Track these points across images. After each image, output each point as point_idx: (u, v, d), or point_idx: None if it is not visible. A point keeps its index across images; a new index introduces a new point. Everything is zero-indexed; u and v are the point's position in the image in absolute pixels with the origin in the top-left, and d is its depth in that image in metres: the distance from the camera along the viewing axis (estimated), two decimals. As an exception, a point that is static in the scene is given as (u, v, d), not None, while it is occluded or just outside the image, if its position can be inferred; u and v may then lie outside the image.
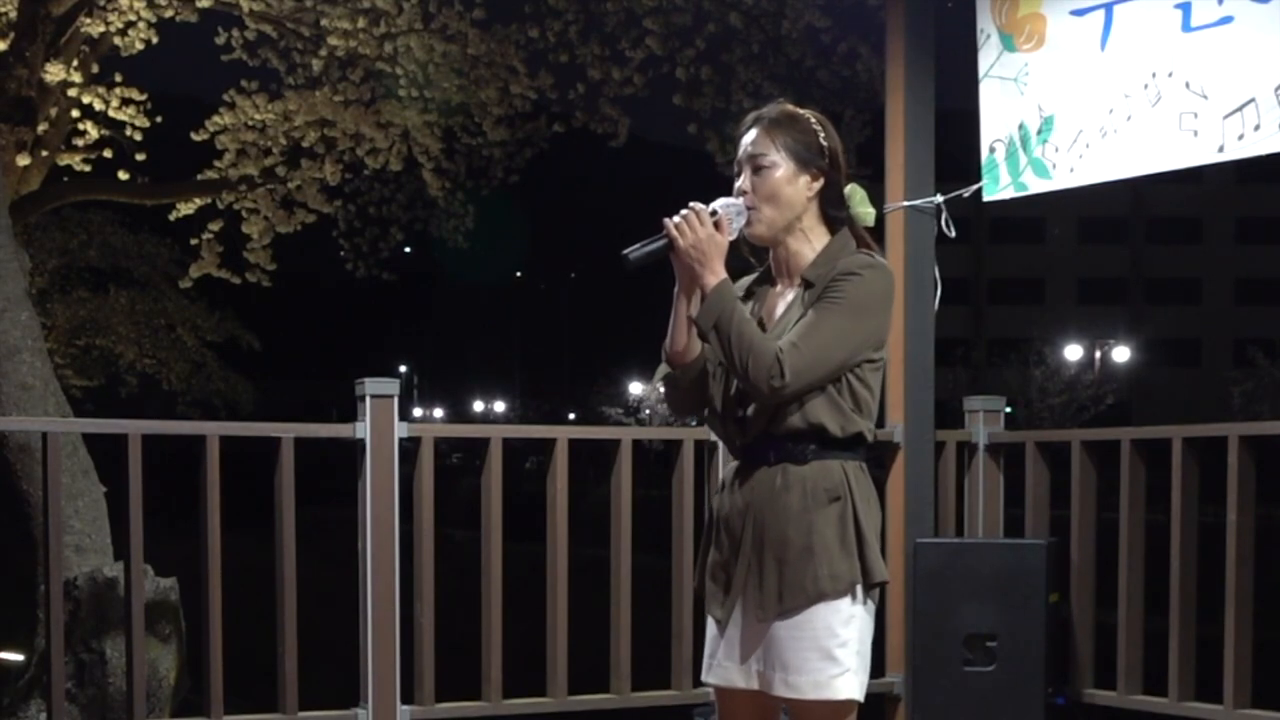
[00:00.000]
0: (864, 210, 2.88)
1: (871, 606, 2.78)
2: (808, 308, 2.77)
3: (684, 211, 2.79)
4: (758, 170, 2.82)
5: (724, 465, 2.92)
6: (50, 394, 5.45)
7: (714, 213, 2.81)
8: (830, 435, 2.75)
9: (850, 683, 2.71)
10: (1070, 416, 41.20)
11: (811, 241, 2.85)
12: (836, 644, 2.70)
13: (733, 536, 2.81)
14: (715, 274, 2.75)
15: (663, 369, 2.89)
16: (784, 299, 2.87)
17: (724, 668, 2.84)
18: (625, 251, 2.80)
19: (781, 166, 2.81)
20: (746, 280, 2.95)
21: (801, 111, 2.88)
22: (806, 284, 2.81)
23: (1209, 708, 4.64)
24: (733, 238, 2.83)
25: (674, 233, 2.76)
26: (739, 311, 2.74)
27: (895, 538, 5.20)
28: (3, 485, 5.44)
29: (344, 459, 4.62)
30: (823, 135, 2.84)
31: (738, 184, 2.86)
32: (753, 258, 2.95)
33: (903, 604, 5.15)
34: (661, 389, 2.96)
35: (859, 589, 2.73)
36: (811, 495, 2.73)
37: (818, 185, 2.83)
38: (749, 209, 2.83)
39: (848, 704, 2.73)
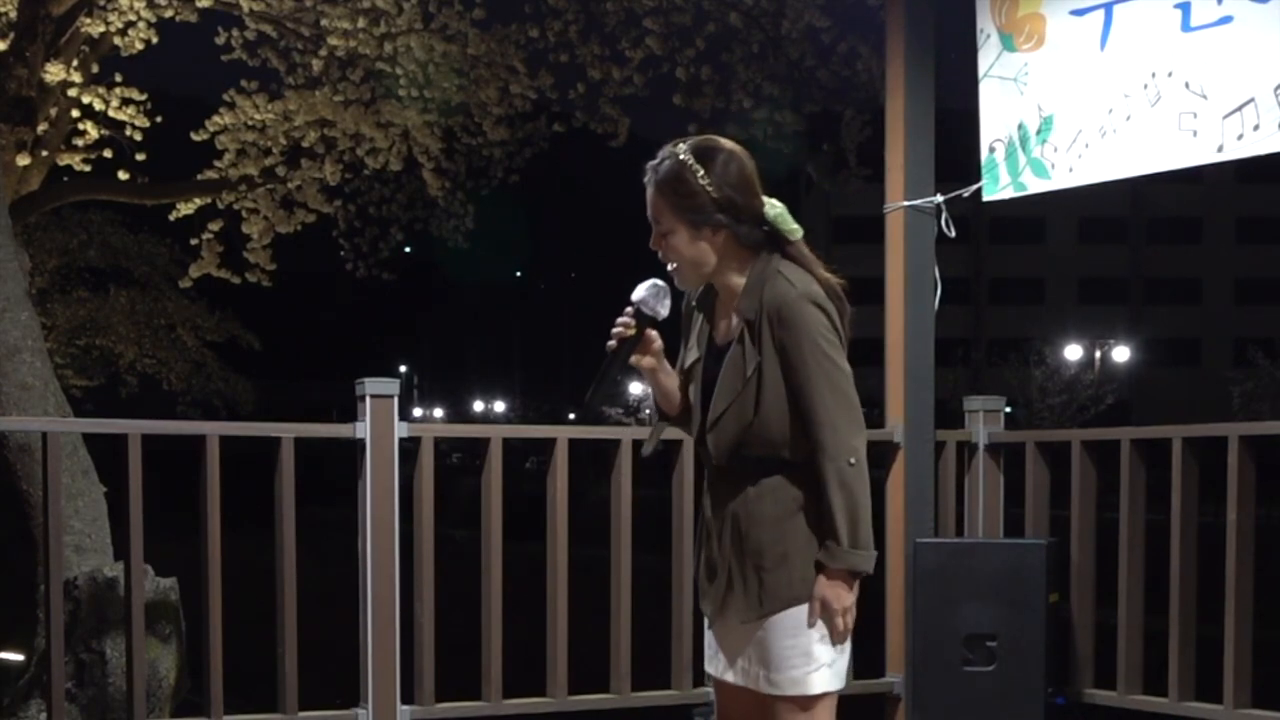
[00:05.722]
0: (788, 229, 2.89)
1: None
2: (754, 346, 2.83)
3: (613, 341, 2.92)
4: (661, 235, 2.89)
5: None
6: (50, 394, 5.44)
7: (638, 311, 2.91)
8: (789, 459, 2.86)
9: (824, 677, 2.85)
10: (1070, 416, 41.22)
11: (739, 271, 2.90)
12: (815, 640, 2.84)
13: (715, 538, 2.95)
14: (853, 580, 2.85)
15: (661, 426, 3.10)
16: (729, 321, 2.93)
17: (717, 661, 2.99)
18: (586, 399, 3.01)
19: (679, 231, 2.87)
20: (696, 293, 3.02)
21: (689, 163, 2.84)
22: (745, 320, 2.87)
23: (1209, 708, 4.64)
24: (665, 315, 2.93)
25: None
26: (851, 544, 2.80)
27: (895, 538, 5.21)
28: (3, 485, 5.44)
29: (344, 459, 4.63)
30: (713, 189, 2.83)
31: (651, 241, 2.92)
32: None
33: (903, 604, 5.16)
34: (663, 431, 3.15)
35: None
36: (783, 503, 2.85)
37: (720, 237, 2.87)
38: (671, 268, 2.92)
39: (823, 696, 2.87)
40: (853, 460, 2.78)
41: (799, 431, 2.83)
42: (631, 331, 2.91)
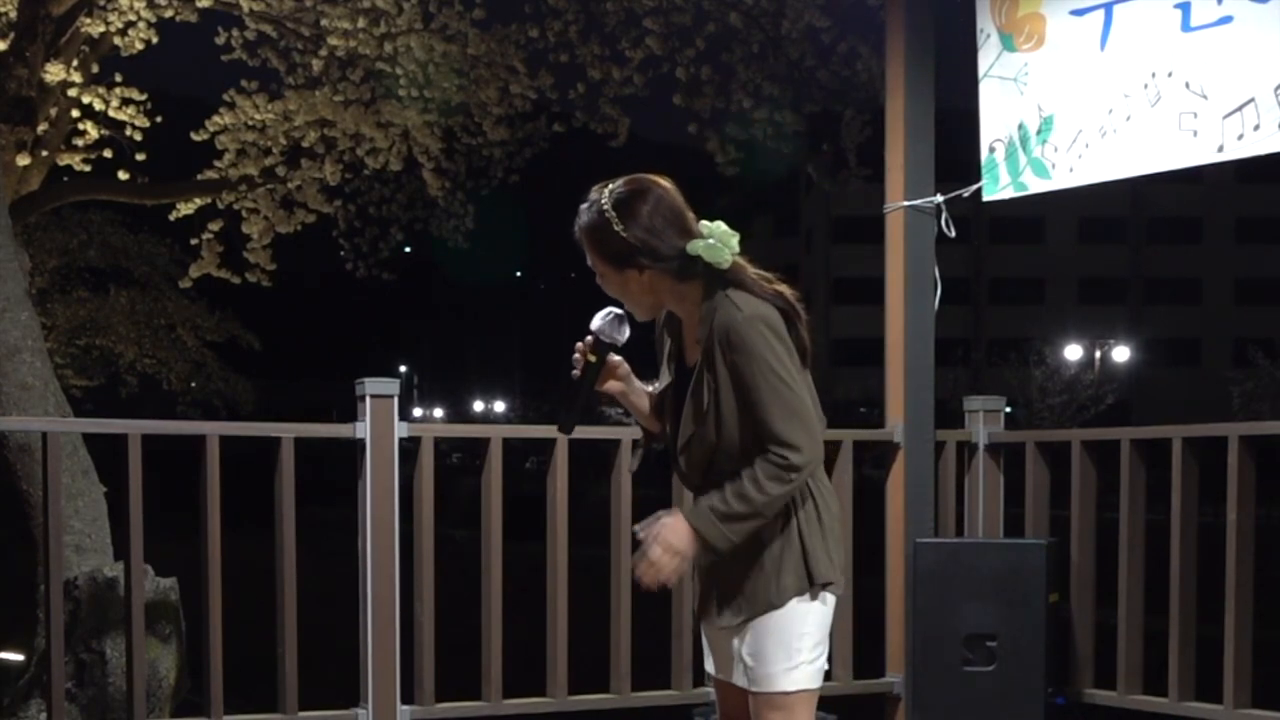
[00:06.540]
0: (717, 261, 2.86)
1: (829, 599, 2.96)
2: (710, 373, 2.86)
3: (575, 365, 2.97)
4: (598, 275, 2.95)
5: None
6: (50, 394, 5.44)
7: (599, 342, 2.96)
8: None
9: (804, 674, 2.93)
10: (1070, 416, 41.24)
11: (687, 299, 2.93)
12: (794, 638, 2.91)
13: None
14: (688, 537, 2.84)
15: (640, 454, 3.22)
16: (693, 347, 2.96)
17: (710, 660, 3.12)
18: (561, 428, 3.10)
19: (609, 275, 2.93)
20: (663, 316, 3.05)
21: (607, 211, 2.86)
22: (702, 348, 2.90)
23: (1209, 708, 4.64)
24: (625, 341, 2.98)
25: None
26: (718, 517, 2.82)
27: (895, 538, 5.21)
28: (3, 485, 5.44)
29: (344, 459, 4.63)
30: (630, 237, 2.85)
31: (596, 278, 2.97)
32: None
33: (903, 604, 5.16)
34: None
35: (809, 590, 2.92)
36: None
37: (646, 276, 2.90)
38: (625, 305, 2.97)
39: (800, 693, 2.94)
40: (793, 476, 2.81)
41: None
42: (592, 357, 2.96)
